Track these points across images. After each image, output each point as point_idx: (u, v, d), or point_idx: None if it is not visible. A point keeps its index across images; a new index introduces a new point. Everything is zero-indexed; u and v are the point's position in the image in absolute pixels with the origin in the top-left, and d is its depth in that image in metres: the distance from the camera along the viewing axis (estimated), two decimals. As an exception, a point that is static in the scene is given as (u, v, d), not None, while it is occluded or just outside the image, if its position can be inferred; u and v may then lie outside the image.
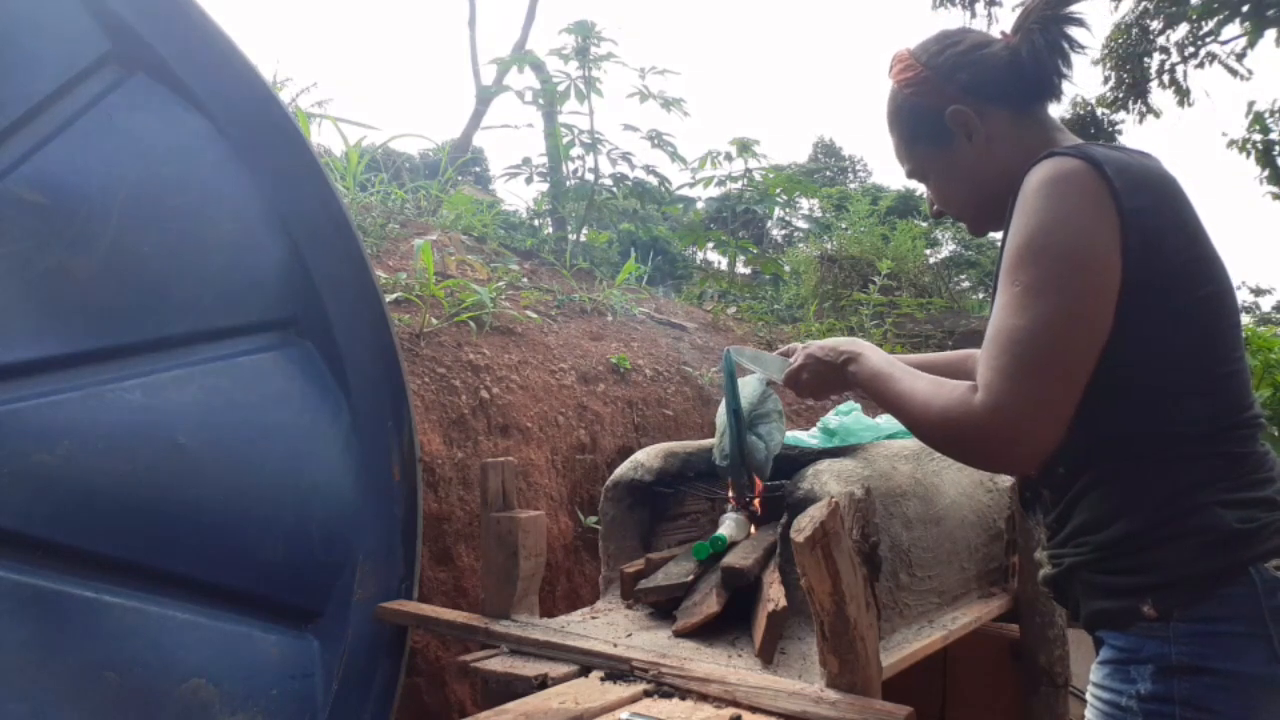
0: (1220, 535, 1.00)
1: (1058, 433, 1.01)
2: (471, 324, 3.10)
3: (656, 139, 5.59)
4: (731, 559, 1.91)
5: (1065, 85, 1.19)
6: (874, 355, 1.30)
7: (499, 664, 1.77)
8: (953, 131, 1.22)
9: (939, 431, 1.09)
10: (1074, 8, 1.15)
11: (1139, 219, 1.01)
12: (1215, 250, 1.08)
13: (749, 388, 2.05)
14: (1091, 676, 1.11)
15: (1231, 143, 10.24)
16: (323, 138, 9.34)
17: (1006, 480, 2.36)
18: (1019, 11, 1.21)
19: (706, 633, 1.84)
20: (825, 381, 1.46)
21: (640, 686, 1.59)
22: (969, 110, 1.20)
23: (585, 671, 1.70)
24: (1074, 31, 1.16)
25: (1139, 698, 1.03)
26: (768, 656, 1.72)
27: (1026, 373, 1.00)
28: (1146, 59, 10.80)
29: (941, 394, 1.09)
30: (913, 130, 1.27)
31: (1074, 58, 1.17)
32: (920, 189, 1.44)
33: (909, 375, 1.18)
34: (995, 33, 1.25)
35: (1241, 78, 10.24)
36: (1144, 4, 10.58)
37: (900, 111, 1.28)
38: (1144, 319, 1.02)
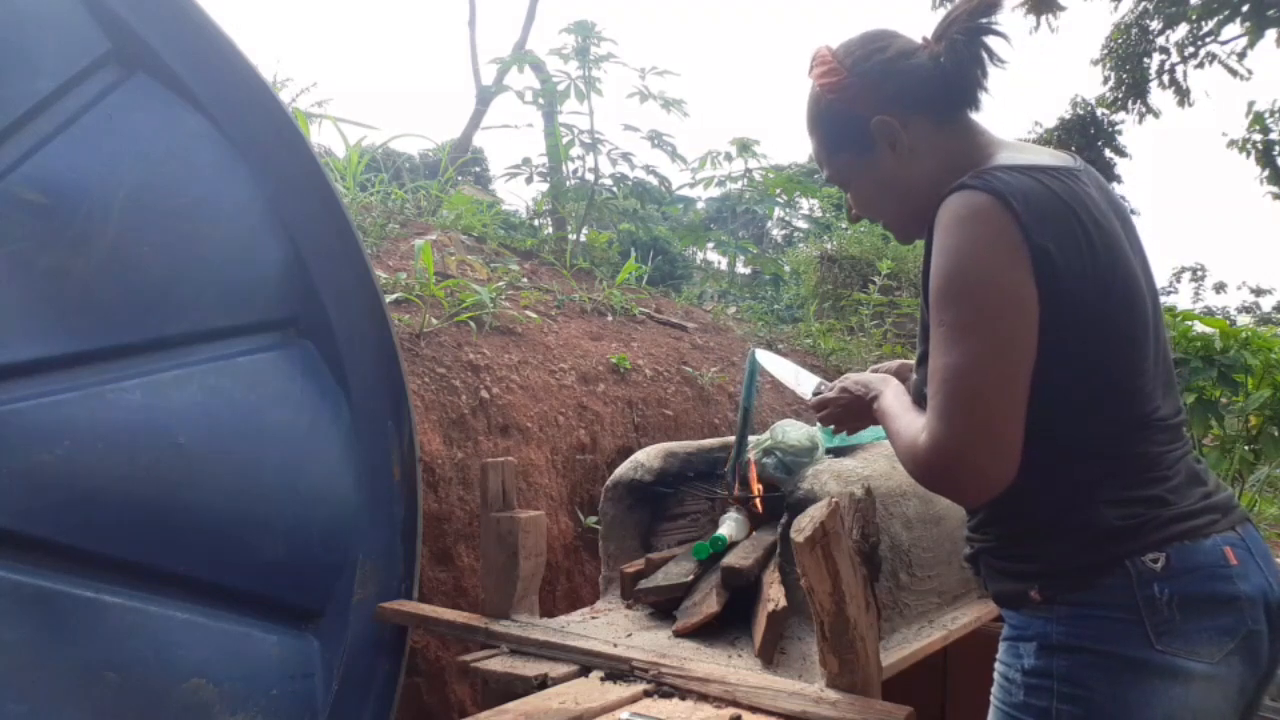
0: (1101, 532, 1.07)
1: (1006, 461, 1.04)
2: (471, 324, 3.10)
3: (656, 139, 5.59)
4: (731, 559, 1.91)
5: (984, 97, 1.20)
6: (889, 393, 1.29)
7: (499, 664, 1.77)
8: (876, 140, 1.21)
9: (909, 470, 1.14)
10: (995, 19, 1.15)
11: (1047, 252, 1.04)
12: (1127, 262, 1.10)
13: (801, 434, 2.06)
14: (998, 652, 1.19)
15: (1231, 143, 10.25)
16: (323, 138, 9.35)
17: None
18: (942, 18, 1.20)
19: (706, 633, 1.84)
20: (855, 416, 1.41)
21: (640, 686, 1.60)
22: (894, 120, 1.20)
23: (585, 671, 1.70)
24: (995, 43, 1.17)
25: (1023, 671, 1.11)
26: (768, 656, 1.72)
27: (960, 409, 1.04)
28: (1146, 59, 10.81)
29: (907, 435, 1.14)
30: (835, 136, 1.26)
31: (993, 69, 1.18)
32: None
33: (900, 415, 1.21)
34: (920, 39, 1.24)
35: (1241, 78, 10.24)
36: (1144, 4, 10.58)
37: (822, 116, 1.26)
38: (1053, 344, 1.06)
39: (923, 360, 1.18)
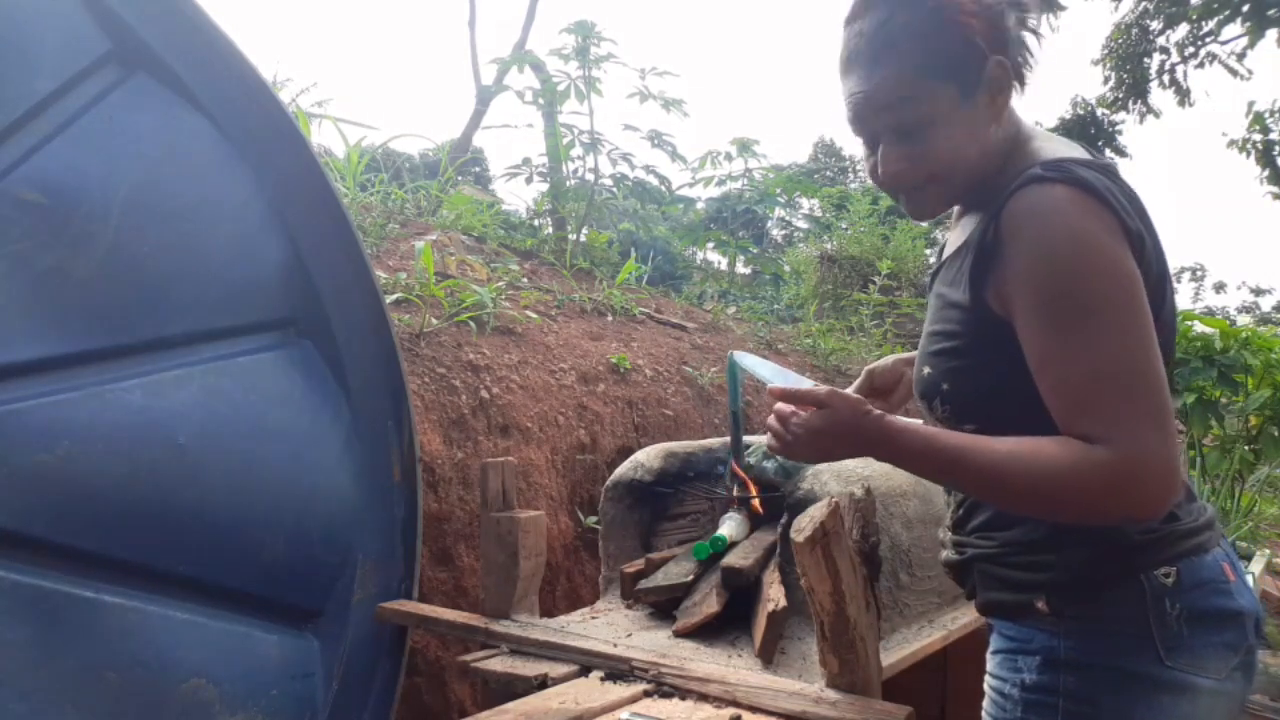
0: (1121, 544, 1.02)
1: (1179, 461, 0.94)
2: (471, 324, 3.10)
3: (656, 139, 5.60)
4: (731, 559, 1.91)
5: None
6: (909, 425, 1.06)
7: (499, 664, 1.77)
8: (981, 86, 1.04)
9: (1071, 496, 0.95)
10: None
11: (1143, 244, 1.00)
12: (1166, 262, 1.06)
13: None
14: (987, 665, 1.14)
15: (1231, 143, 10.26)
16: (323, 138, 9.34)
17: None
18: None
19: (706, 633, 1.84)
20: (837, 446, 1.10)
21: (640, 686, 1.60)
22: (1011, 68, 1.04)
23: (585, 671, 1.70)
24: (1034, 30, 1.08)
25: (1023, 687, 1.06)
26: (768, 656, 1.72)
27: (1145, 408, 0.93)
28: (1146, 59, 10.83)
29: (1051, 454, 0.94)
30: (937, 62, 1.03)
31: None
32: None
33: (992, 445, 0.99)
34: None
35: (1241, 78, 10.26)
36: (1144, 4, 10.60)
37: (925, 34, 1.02)
38: None
39: (942, 354, 1.11)
